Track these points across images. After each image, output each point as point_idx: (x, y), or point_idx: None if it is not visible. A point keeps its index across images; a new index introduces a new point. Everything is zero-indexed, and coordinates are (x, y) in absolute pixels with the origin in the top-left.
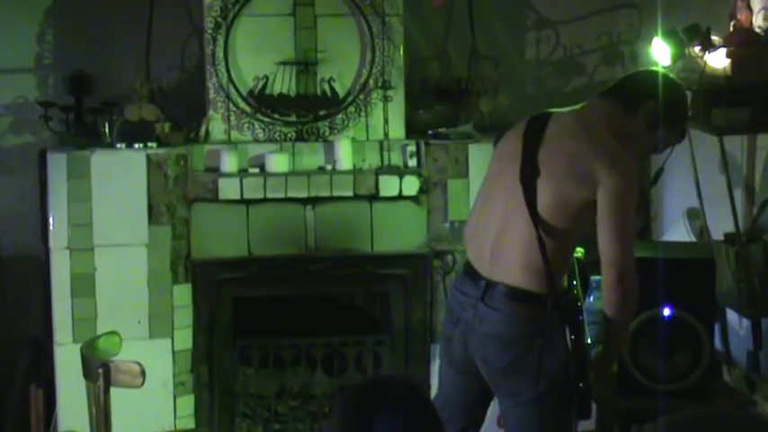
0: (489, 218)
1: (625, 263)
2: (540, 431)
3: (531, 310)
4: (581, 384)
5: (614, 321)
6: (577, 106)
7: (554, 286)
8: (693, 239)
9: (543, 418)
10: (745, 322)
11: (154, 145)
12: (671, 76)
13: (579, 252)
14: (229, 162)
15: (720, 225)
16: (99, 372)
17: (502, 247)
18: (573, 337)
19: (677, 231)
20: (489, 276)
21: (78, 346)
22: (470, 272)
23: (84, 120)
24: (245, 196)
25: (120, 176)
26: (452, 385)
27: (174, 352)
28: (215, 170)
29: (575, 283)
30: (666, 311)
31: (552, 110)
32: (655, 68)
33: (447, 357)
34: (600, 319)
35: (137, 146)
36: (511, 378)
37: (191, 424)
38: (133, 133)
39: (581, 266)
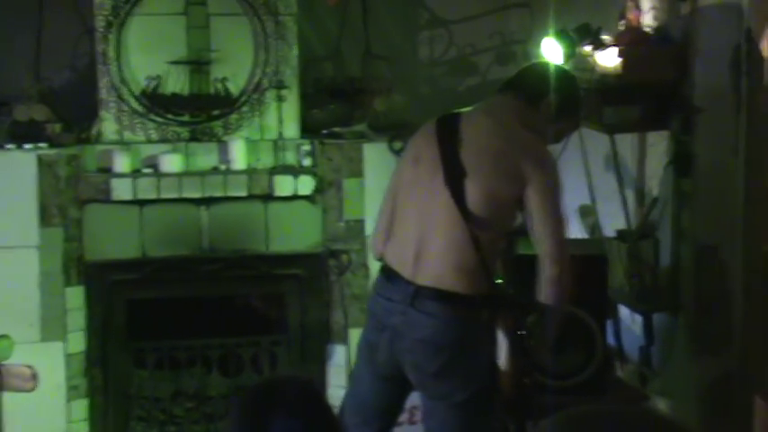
0: (408, 223)
1: (564, 256)
2: (468, 431)
3: (462, 313)
4: (526, 381)
5: (553, 311)
6: (482, 104)
7: (489, 284)
8: (586, 236)
9: (471, 418)
10: (637, 318)
11: (45, 146)
12: (564, 68)
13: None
14: (122, 162)
15: (612, 222)
16: None
17: (428, 251)
18: (519, 332)
19: (570, 228)
20: (416, 281)
21: None
22: (393, 277)
23: None
24: (139, 197)
25: (9, 177)
26: (371, 390)
27: (66, 355)
28: (107, 171)
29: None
30: None
31: (458, 110)
32: (548, 61)
33: (369, 364)
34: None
35: (27, 146)
36: (442, 381)
37: (84, 428)
38: (23, 134)
39: (518, 262)
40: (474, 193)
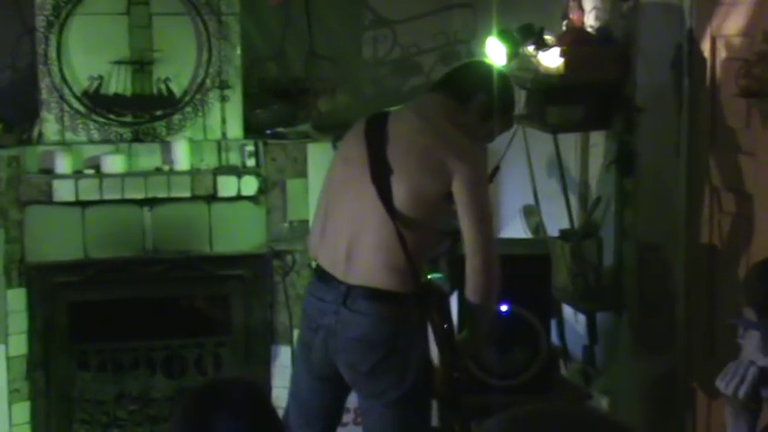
0: (339, 223)
1: (490, 248)
2: (403, 429)
3: (394, 311)
4: (456, 374)
5: (480, 307)
6: (412, 103)
7: (418, 282)
8: (530, 236)
9: (407, 416)
10: (581, 317)
11: None
12: (497, 66)
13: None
14: (64, 163)
15: (556, 222)
16: None
17: (358, 250)
18: (445, 326)
19: (514, 228)
20: (348, 280)
21: None
22: (325, 277)
23: None
24: (81, 198)
25: None
26: (310, 391)
27: (8, 358)
28: (49, 172)
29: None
30: (504, 307)
31: (388, 109)
32: (480, 60)
33: (305, 364)
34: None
35: None
36: (376, 380)
37: (27, 431)
38: None
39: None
40: (400, 190)
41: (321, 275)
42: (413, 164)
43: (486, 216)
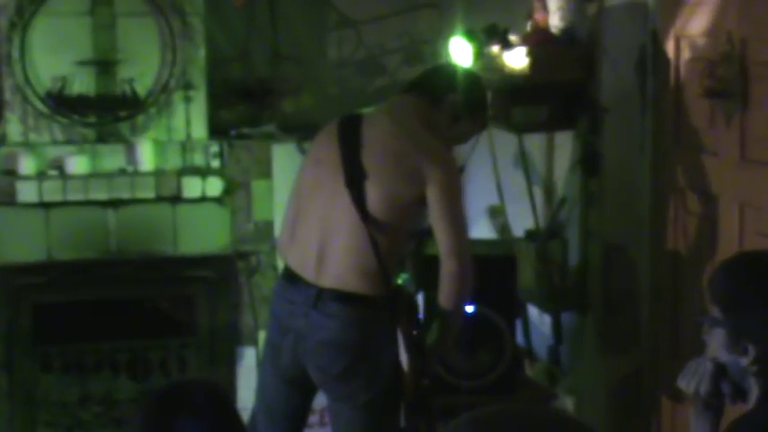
0: (310, 225)
1: (464, 252)
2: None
3: (365, 314)
4: (425, 381)
5: (452, 311)
6: (384, 105)
7: (389, 286)
8: (495, 237)
9: (376, 419)
10: (546, 317)
11: None
12: (470, 69)
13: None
14: (27, 164)
15: (521, 222)
16: None
17: (329, 253)
18: (415, 332)
19: (479, 228)
20: (319, 283)
21: None
22: (294, 280)
23: None
24: (44, 199)
25: None
26: (277, 394)
27: None
28: (12, 173)
29: (404, 279)
30: (469, 308)
31: (360, 111)
32: (452, 62)
33: (273, 367)
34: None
35: None
36: (346, 383)
37: None
38: None
39: (427, 263)
40: (374, 195)
41: (290, 277)
42: (387, 169)
43: (460, 221)
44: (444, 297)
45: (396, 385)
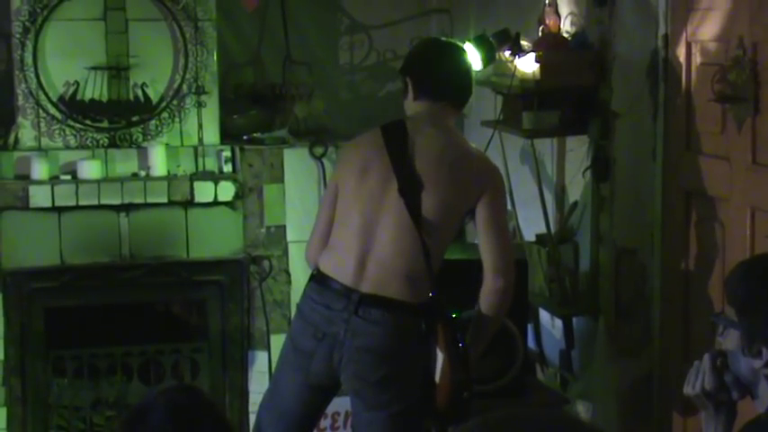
0: (351, 231)
1: (511, 270)
2: None
3: (406, 321)
4: (465, 393)
5: (492, 324)
6: (423, 114)
7: (436, 293)
8: None
9: (407, 428)
10: (558, 322)
11: None
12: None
13: None
14: (40, 169)
15: (532, 226)
16: None
17: (375, 259)
18: (461, 344)
19: None
20: (360, 288)
21: None
22: (333, 285)
23: None
24: (57, 204)
25: None
26: (295, 398)
27: None
28: (25, 178)
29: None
30: None
31: (400, 120)
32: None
33: (301, 372)
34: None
35: None
36: (383, 390)
37: None
38: None
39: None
40: (429, 203)
41: (326, 283)
42: (443, 179)
43: (507, 235)
44: (486, 310)
45: (428, 396)
